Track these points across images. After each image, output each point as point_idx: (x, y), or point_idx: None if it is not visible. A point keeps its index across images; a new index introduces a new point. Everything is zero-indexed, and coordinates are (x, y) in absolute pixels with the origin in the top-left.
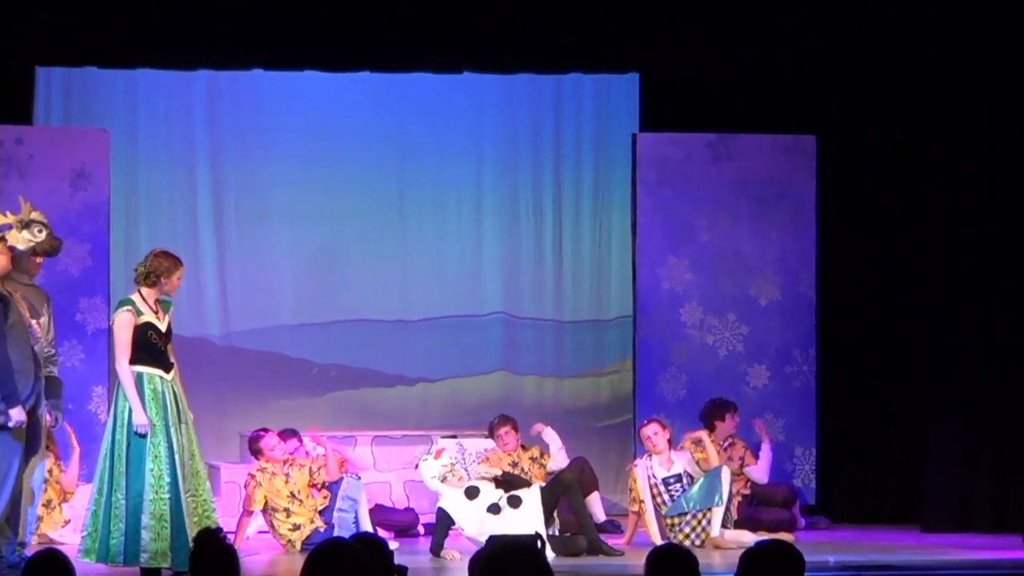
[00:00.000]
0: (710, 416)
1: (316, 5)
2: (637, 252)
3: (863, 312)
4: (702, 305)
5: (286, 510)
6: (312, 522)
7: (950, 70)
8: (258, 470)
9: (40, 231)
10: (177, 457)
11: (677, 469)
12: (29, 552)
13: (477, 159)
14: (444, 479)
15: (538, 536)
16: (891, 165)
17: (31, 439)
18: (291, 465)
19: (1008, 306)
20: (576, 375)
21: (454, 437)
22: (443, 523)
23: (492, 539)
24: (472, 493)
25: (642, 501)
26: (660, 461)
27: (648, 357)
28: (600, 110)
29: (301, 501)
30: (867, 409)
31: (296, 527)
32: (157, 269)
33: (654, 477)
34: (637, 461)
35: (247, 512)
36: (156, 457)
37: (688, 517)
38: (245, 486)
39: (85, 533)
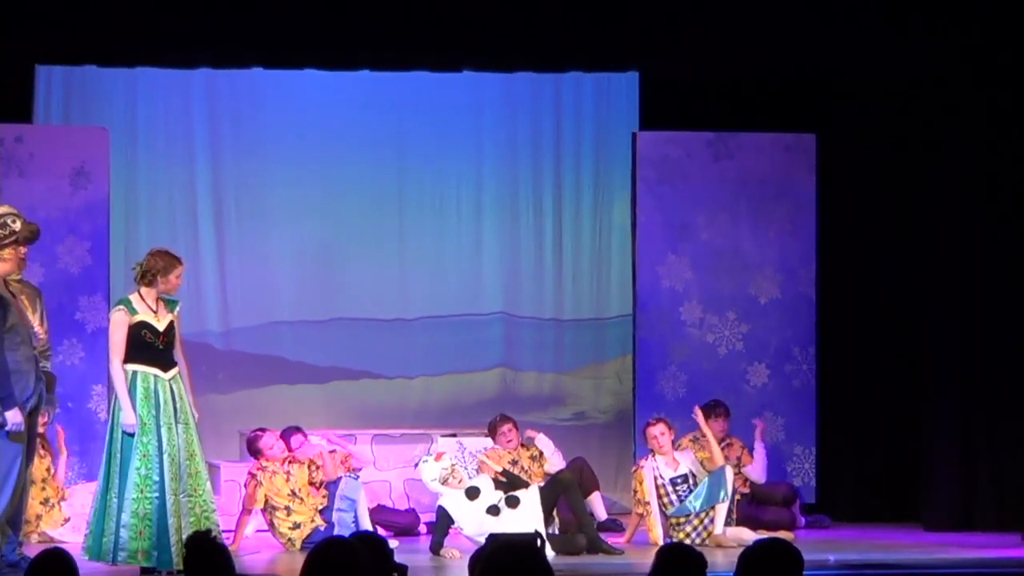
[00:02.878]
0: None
1: (316, 4)
2: (637, 250)
3: (863, 311)
4: (702, 303)
5: (287, 508)
6: (312, 521)
7: (950, 69)
8: (258, 469)
9: (14, 221)
10: (167, 457)
11: (683, 469)
12: (28, 551)
13: (477, 158)
14: (445, 482)
15: (538, 535)
16: (891, 163)
17: (31, 440)
18: (291, 463)
19: (1008, 305)
20: (576, 374)
21: (454, 436)
22: (443, 522)
23: (492, 538)
24: (472, 493)
25: (647, 503)
26: (666, 461)
27: (648, 355)
28: (600, 109)
29: (302, 500)
30: (867, 407)
31: (296, 525)
32: (153, 268)
33: (661, 477)
34: (643, 462)
35: (246, 511)
36: (145, 456)
37: (691, 516)
38: (245, 485)
39: (87, 532)
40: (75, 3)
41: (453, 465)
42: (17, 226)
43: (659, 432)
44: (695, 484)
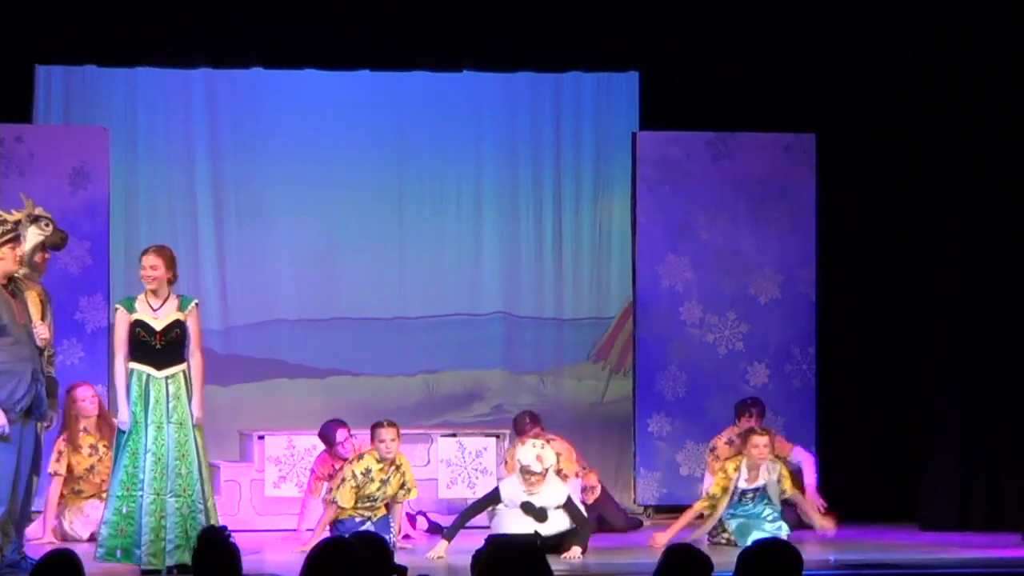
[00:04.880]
0: (735, 414)
1: (316, 4)
2: (637, 250)
3: (863, 311)
4: (702, 303)
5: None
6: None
7: (950, 69)
8: (362, 471)
9: (47, 225)
10: (152, 456)
11: (759, 483)
12: (29, 550)
13: (477, 157)
14: (526, 471)
15: (537, 535)
16: (891, 163)
17: (36, 441)
18: (392, 465)
19: (1008, 305)
20: (576, 374)
21: (454, 436)
22: (484, 504)
23: (492, 538)
24: (528, 510)
25: (716, 499)
26: (748, 474)
27: (648, 355)
28: (600, 108)
29: (371, 505)
30: (867, 407)
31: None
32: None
33: (735, 485)
34: (733, 463)
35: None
36: (133, 454)
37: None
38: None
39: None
40: (75, 3)
41: (546, 469)
42: (50, 230)
43: (763, 443)
44: (762, 497)
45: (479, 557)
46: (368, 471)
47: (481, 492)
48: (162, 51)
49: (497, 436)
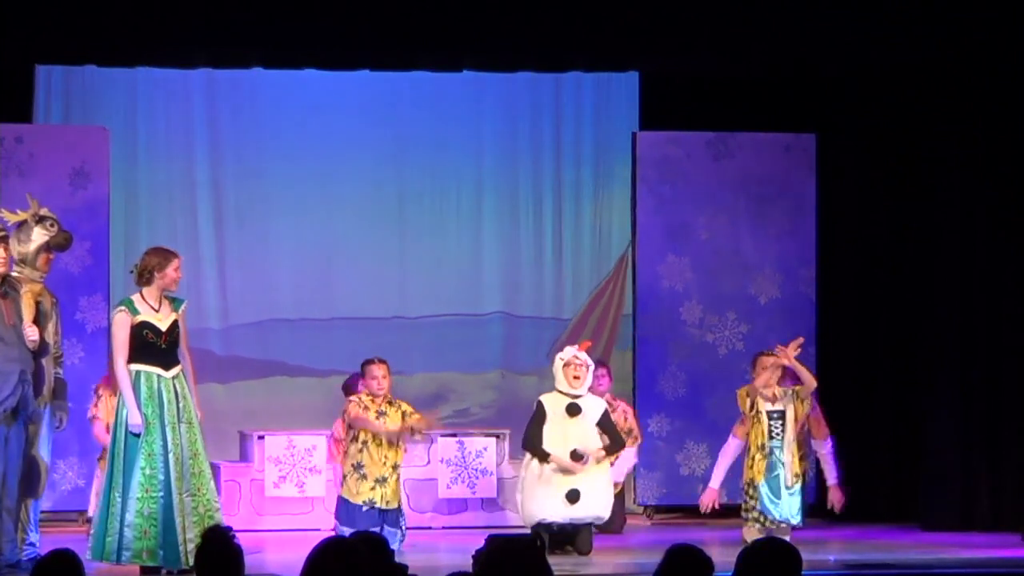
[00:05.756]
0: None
1: (316, 4)
2: (637, 250)
3: (863, 311)
4: (702, 303)
5: (364, 443)
6: (379, 485)
7: (950, 69)
8: (356, 400)
9: (52, 225)
10: (172, 456)
11: (780, 406)
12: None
13: (476, 157)
14: (570, 363)
15: (538, 535)
16: (891, 163)
17: (25, 440)
18: (386, 401)
19: (1008, 305)
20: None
21: (454, 436)
22: (539, 415)
23: (492, 538)
24: (574, 411)
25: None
26: (766, 394)
27: (648, 355)
28: (600, 108)
29: (380, 444)
30: (867, 408)
31: (374, 478)
32: (148, 265)
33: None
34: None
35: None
36: (149, 455)
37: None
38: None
39: (91, 532)
40: (75, 3)
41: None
42: (55, 230)
43: (771, 362)
44: (780, 433)
45: (479, 557)
46: (360, 400)
47: (481, 492)
48: (162, 51)
49: (497, 436)
